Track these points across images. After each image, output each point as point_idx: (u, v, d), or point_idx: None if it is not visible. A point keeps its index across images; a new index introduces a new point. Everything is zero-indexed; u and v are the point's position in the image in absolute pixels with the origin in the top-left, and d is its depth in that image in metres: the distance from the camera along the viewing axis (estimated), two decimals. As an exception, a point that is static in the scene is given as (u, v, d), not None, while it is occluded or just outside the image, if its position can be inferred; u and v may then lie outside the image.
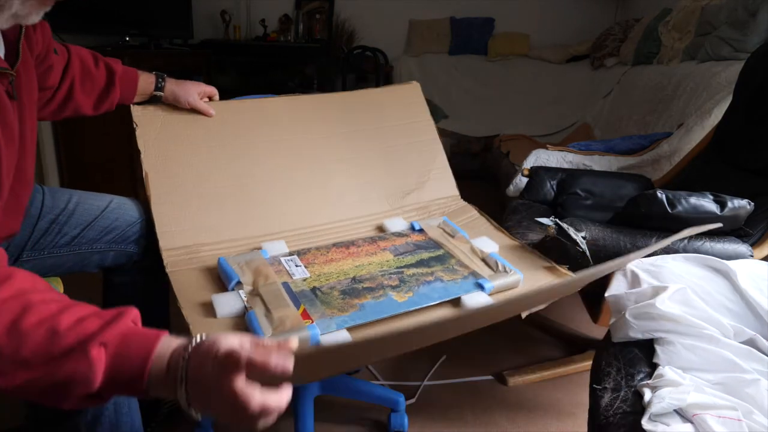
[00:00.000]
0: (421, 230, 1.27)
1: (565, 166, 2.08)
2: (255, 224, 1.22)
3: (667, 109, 2.45)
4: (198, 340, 0.57)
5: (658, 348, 0.86)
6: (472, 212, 1.41)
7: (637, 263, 0.99)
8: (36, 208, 1.06)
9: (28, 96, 0.91)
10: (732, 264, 0.93)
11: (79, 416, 0.75)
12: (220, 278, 1.06)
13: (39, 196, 1.07)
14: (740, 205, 1.26)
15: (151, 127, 1.20)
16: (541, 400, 1.52)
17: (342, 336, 0.91)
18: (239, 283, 1.01)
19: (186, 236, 1.15)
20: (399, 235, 1.26)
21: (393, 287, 1.04)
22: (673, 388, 0.75)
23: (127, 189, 2.71)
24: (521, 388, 1.58)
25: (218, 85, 1.33)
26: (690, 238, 1.26)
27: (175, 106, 1.24)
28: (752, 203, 1.28)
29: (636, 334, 0.90)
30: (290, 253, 1.15)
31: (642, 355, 0.89)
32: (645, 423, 0.72)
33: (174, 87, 1.22)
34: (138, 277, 1.20)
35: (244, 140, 1.29)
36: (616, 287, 0.98)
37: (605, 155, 2.15)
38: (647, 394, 0.77)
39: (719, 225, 1.13)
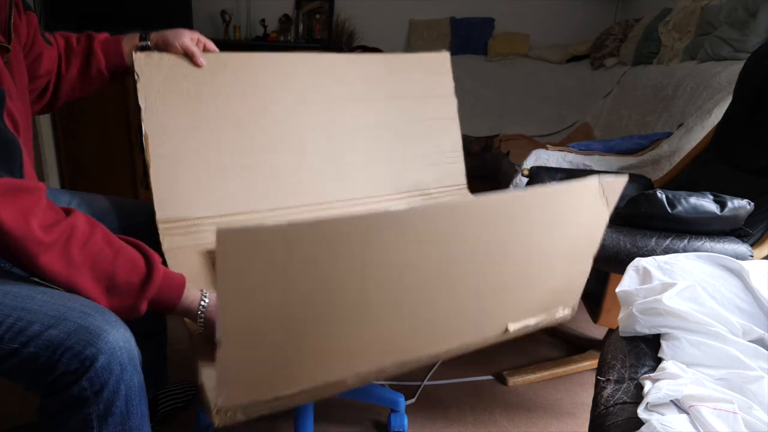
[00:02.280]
0: None
1: (565, 166, 2.08)
2: (260, 197, 1.16)
3: (667, 109, 2.45)
4: (207, 301, 0.88)
5: (663, 343, 0.87)
6: None
7: (650, 260, 0.99)
8: None
9: (20, 80, 0.91)
10: (745, 264, 0.94)
11: (91, 407, 0.76)
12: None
13: None
14: (740, 205, 1.26)
15: (154, 79, 1.10)
16: (541, 400, 1.52)
17: None
18: None
19: (185, 207, 1.09)
20: None
21: None
22: (671, 380, 0.76)
23: (127, 189, 2.72)
24: (521, 388, 1.58)
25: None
26: (690, 238, 1.26)
27: (180, 56, 1.13)
28: (752, 203, 1.28)
29: (643, 329, 0.91)
30: None
31: (648, 349, 0.90)
32: (640, 412, 0.73)
33: (164, 32, 1.13)
34: None
35: (256, 101, 1.19)
36: (627, 283, 0.98)
37: (605, 155, 2.15)
38: (647, 386, 0.77)
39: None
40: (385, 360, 0.82)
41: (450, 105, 1.42)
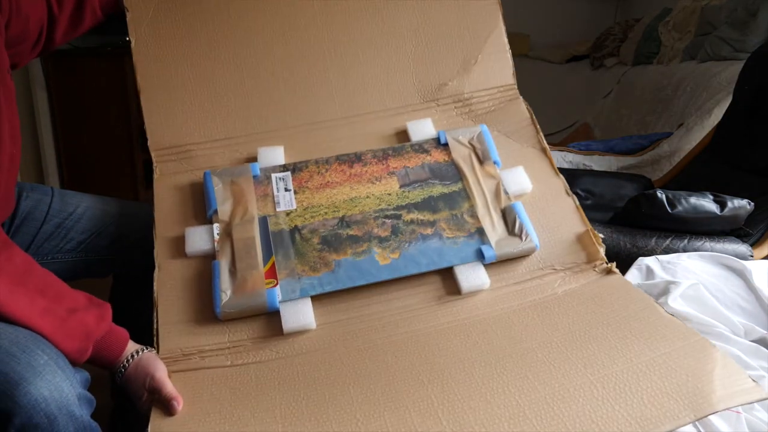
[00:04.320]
0: (446, 145, 1.06)
1: (565, 166, 2.08)
2: (257, 121, 1.10)
3: (667, 109, 2.45)
4: (134, 360, 0.81)
5: None
6: (523, 116, 1.14)
7: (653, 259, 0.99)
8: (42, 212, 1.04)
9: None
10: (747, 263, 0.94)
11: None
12: (204, 197, 1.02)
13: (47, 199, 1.05)
14: (740, 205, 1.26)
15: (143, 11, 1.08)
16: (541, 400, 1.52)
17: (303, 308, 0.87)
18: (216, 212, 0.97)
19: (177, 133, 1.07)
20: (418, 149, 1.06)
21: (380, 240, 0.93)
22: None
23: (127, 189, 2.72)
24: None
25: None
26: (690, 238, 1.26)
27: None
28: (752, 203, 1.28)
29: None
30: (285, 167, 1.04)
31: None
32: None
33: None
34: (147, 283, 1.17)
35: (254, 22, 1.12)
36: (630, 279, 0.98)
37: (605, 155, 2.15)
38: None
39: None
40: None
41: None
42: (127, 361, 0.81)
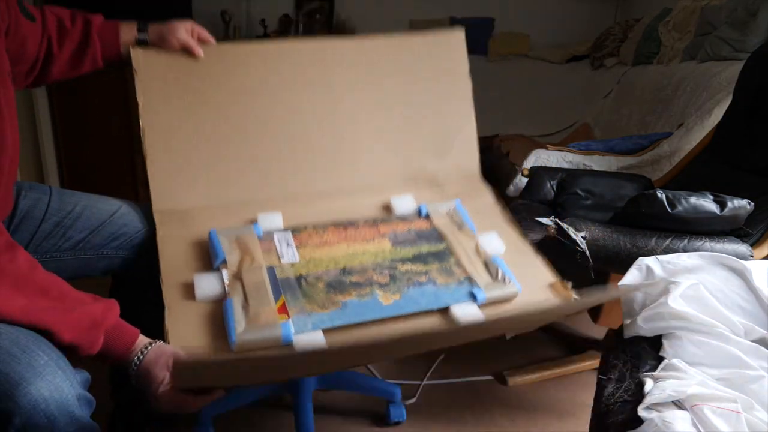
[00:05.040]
0: (427, 216, 1.19)
1: (565, 166, 2.08)
2: (256, 188, 1.17)
3: (667, 109, 2.45)
4: (152, 347, 0.83)
5: (665, 342, 0.88)
6: (488, 198, 1.29)
7: (653, 259, 1.00)
8: (40, 210, 1.04)
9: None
10: (747, 263, 0.94)
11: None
12: (209, 252, 1.04)
13: (45, 198, 1.05)
14: (740, 205, 1.26)
15: (152, 75, 1.12)
16: (541, 400, 1.52)
17: (316, 338, 0.91)
18: (224, 262, 1.00)
19: (181, 199, 1.11)
20: (403, 219, 1.18)
21: (381, 285, 1.01)
22: (676, 380, 0.76)
23: (127, 189, 2.72)
24: (521, 388, 1.58)
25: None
26: (690, 238, 1.26)
27: (179, 52, 1.14)
28: (752, 203, 1.28)
29: (646, 333, 0.92)
30: (285, 229, 1.11)
31: (650, 348, 0.91)
32: (641, 410, 0.74)
33: (160, 26, 1.14)
34: (146, 283, 1.17)
35: (256, 93, 1.19)
36: (630, 279, 0.99)
37: (605, 155, 2.15)
38: (648, 384, 0.78)
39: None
40: None
41: (464, 88, 1.34)
42: (146, 347, 0.82)
